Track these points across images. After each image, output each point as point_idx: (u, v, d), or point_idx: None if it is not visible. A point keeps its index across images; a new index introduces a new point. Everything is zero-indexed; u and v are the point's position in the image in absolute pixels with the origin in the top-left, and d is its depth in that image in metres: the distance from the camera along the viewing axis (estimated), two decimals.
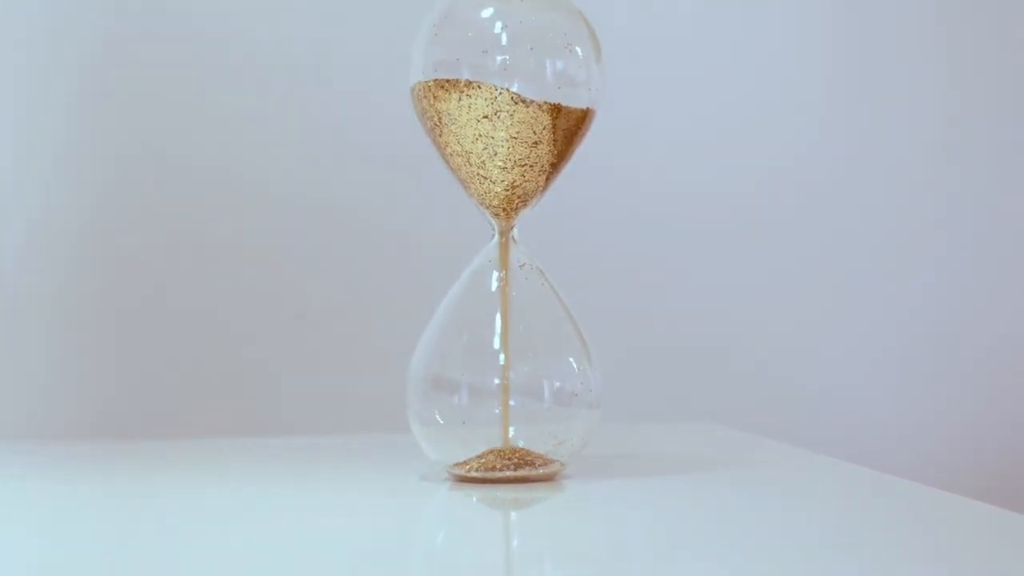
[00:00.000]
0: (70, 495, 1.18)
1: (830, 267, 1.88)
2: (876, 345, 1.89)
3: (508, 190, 1.16)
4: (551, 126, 1.15)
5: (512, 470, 1.15)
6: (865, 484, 1.17)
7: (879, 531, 0.97)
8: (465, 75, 1.13)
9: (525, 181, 1.16)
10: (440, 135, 1.16)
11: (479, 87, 1.13)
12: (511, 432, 1.15)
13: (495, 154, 1.15)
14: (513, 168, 1.15)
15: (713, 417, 1.70)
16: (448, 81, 1.13)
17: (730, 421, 1.65)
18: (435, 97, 1.15)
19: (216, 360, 1.75)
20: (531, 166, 1.16)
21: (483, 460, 1.16)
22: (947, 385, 1.89)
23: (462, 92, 1.13)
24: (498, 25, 1.13)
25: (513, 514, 1.07)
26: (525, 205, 1.18)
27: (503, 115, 1.14)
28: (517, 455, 1.15)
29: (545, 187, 1.18)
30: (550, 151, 1.16)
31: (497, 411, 1.14)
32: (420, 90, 1.15)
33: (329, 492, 1.15)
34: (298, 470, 1.28)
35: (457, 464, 1.17)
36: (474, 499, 1.10)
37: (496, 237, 1.19)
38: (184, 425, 1.72)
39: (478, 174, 1.16)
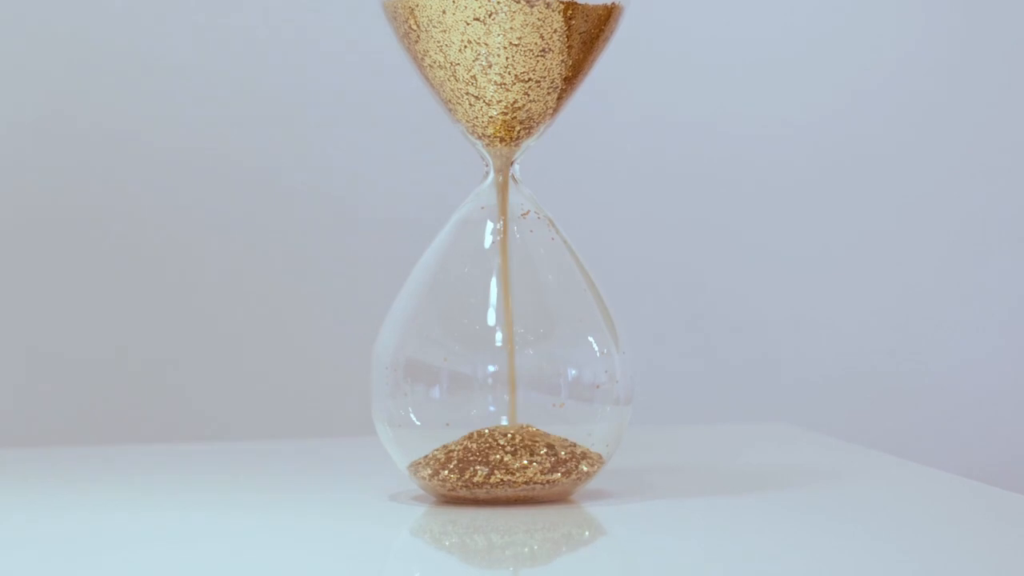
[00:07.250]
0: None
1: (930, 229, 1.78)
2: (985, 332, 1.79)
3: (507, 113, 1.08)
4: (563, 29, 1.06)
5: (512, 487, 1.05)
6: (1005, 509, 1.08)
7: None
8: None
9: (529, 102, 1.07)
10: (416, 42, 1.06)
11: None
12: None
13: (490, 66, 1.06)
14: (514, 84, 1.06)
15: (780, 416, 1.63)
16: None
17: (804, 421, 1.56)
18: None
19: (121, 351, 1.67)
20: (537, 82, 1.07)
21: (473, 474, 1.06)
22: None
23: None
24: None
25: (513, 547, 0.98)
26: (529, 133, 1.09)
27: (500, 16, 1.05)
28: (518, 467, 1.07)
29: (556, 109, 1.09)
30: (562, 62, 1.07)
31: (492, 408, 1.06)
32: None
33: (263, 517, 1.06)
34: (226, 487, 1.19)
35: (437, 478, 1.06)
36: (461, 526, 1.02)
37: (491, 176, 1.09)
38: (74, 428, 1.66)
39: (467, 92, 1.07)
